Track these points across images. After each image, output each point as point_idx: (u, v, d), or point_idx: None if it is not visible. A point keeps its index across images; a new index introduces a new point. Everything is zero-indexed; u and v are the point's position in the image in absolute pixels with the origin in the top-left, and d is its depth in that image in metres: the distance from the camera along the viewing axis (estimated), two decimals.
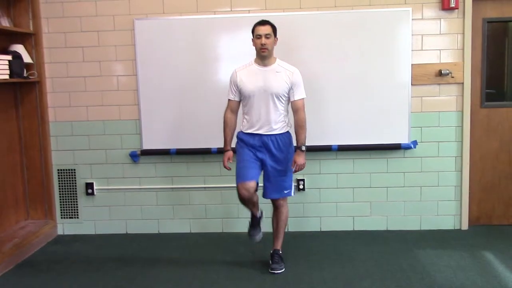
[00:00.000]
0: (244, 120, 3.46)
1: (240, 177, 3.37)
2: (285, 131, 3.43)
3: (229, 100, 3.49)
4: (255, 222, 3.60)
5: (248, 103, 3.40)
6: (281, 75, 3.35)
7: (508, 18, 4.18)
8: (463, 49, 4.11)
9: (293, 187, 3.54)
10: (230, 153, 3.53)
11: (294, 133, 3.45)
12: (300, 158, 3.41)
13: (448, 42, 4.12)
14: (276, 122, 3.37)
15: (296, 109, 3.42)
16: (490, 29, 4.21)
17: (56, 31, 4.26)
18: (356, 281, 3.32)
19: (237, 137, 3.51)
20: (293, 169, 3.43)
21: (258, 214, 3.61)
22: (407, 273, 3.41)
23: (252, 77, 3.37)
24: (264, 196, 3.52)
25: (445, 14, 4.10)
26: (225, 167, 3.53)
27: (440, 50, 4.13)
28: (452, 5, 4.01)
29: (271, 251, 3.59)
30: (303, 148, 3.42)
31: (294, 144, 3.47)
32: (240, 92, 3.42)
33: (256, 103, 3.35)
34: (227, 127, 3.51)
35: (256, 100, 3.35)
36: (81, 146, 4.37)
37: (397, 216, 4.32)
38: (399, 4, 4.08)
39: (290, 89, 3.38)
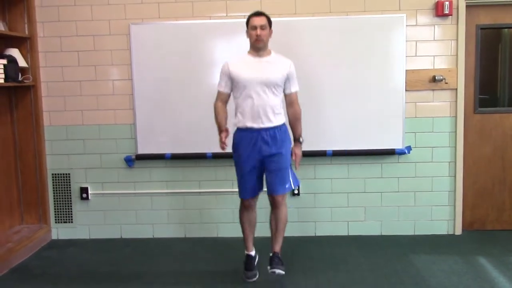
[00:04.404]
0: (239, 115, 3.32)
1: (241, 193, 3.42)
2: (282, 123, 3.35)
3: (219, 91, 3.40)
4: (250, 265, 3.48)
5: (242, 95, 3.27)
6: (277, 65, 3.29)
7: (501, 24, 4.22)
8: (456, 55, 4.14)
9: (291, 181, 3.41)
10: (226, 132, 3.29)
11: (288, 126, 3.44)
12: (299, 150, 3.45)
13: (442, 48, 4.15)
14: (273, 114, 3.27)
15: (291, 102, 3.39)
16: (484, 36, 4.25)
17: (51, 35, 4.26)
18: (351, 286, 3.32)
19: (233, 136, 3.39)
20: (294, 160, 3.42)
21: (253, 253, 3.53)
22: (402, 278, 3.42)
23: (247, 67, 3.27)
24: (270, 192, 3.37)
25: (439, 21, 4.13)
26: (221, 146, 3.26)
27: (434, 56, 4.16)
28: (446, 11, 4.05)
29: (271, 255, 3.45)
30: (301, 140, 3.46)
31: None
32: (232, 84, 3.32)
33: (252, 93, 3.23)
34: (219, 114, 3.35)
35: (251, 90, 3.23)
36: (76, 150, 4.36)
37: (391, 221, 4.34)
38: (394, 10, 4.11)
39: (286, 80, 3.32)
